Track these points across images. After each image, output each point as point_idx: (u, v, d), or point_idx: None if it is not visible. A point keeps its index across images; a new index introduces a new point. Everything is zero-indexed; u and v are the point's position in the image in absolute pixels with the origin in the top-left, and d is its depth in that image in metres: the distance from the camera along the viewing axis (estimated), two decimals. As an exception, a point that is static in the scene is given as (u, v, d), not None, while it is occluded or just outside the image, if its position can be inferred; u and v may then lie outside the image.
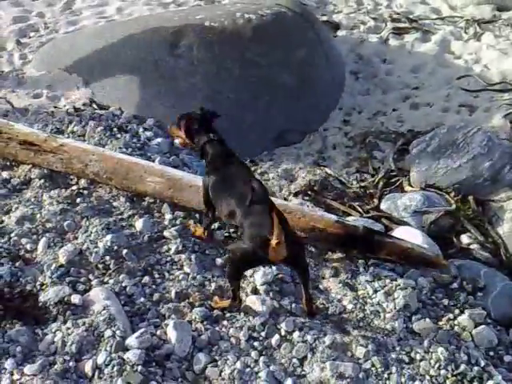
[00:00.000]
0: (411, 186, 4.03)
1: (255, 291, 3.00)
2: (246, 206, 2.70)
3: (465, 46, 5.79)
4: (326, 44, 5.15)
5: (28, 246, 3.15)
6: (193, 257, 3.15)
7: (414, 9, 6.44)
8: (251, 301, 2.93)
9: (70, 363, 2.54)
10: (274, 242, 2.48)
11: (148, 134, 4.22)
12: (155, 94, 4.47)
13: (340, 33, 5.94)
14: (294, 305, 2.96)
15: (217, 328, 2.78)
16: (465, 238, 3.60)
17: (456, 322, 2.94)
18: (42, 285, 2.93)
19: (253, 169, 4.10)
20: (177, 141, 3.35)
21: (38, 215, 3.36)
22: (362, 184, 4.12)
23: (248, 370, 2.61)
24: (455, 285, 3.18)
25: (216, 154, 3.05)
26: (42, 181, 3.62)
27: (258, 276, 3.05)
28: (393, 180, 4.14)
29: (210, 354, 2.67)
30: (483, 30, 5.92)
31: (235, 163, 3.03)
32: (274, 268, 3.09)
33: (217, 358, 2.65)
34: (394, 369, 2.69)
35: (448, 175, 3.94)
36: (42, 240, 3.17)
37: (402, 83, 5.26)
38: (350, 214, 3.73)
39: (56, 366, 2.53)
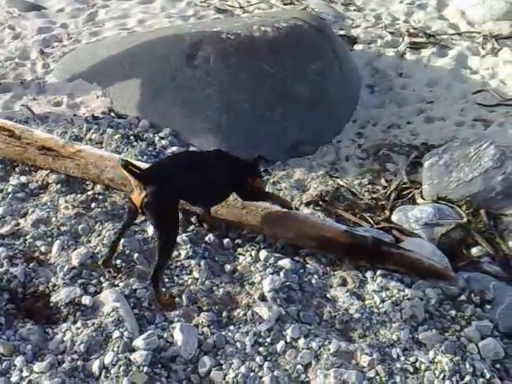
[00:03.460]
0: (423, 199, 4.03)
1: (262, 298, 3.03)
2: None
3: (482, 61, 5.77)
4: (342, 57, 5.18)
5: (42, 248, 3.25)
6: (202, 262, 3.21)
7: (432, 24, 6.45)
8: (258, 307, 2.96)
9: (78, 362, 2.61)
10: (133, 182, 2.86)
11: (163, 142, 4.32)
12: (172, 104, 4.54)
13: (357, 47, 5.97)
14: (301, 313, 2.98)
15: (223, 332, 2.82)
16: (475, 251, 3.59)
17: (462, 334, 2.93)
18: (54, 286, 3.01)
19: (265, 178, 4.15)
20: None
21: (54, 219, 3.46)
22: (374, 196, 4.11)
23: (252, 374, 2.65)
24: (463, 297, 3.17)
25: None
26: (59, 185, 3.73)
27: (265, 283, 3.09)
28: (405, 192, 4.13)
29: (215, 357, 2.71)
30: (501, 46, 5.88)
31: None
32: (281, 275, 3.14)
33: (222, 361, 2.69)
34: (398, 378, 2.69)
35: (460, 188, 3.93)
36: (56, 242, 3.27)
37: (418, 97, 5.26)
38: (360, 225, 3.74)
39: (64, 365, 2.60)
